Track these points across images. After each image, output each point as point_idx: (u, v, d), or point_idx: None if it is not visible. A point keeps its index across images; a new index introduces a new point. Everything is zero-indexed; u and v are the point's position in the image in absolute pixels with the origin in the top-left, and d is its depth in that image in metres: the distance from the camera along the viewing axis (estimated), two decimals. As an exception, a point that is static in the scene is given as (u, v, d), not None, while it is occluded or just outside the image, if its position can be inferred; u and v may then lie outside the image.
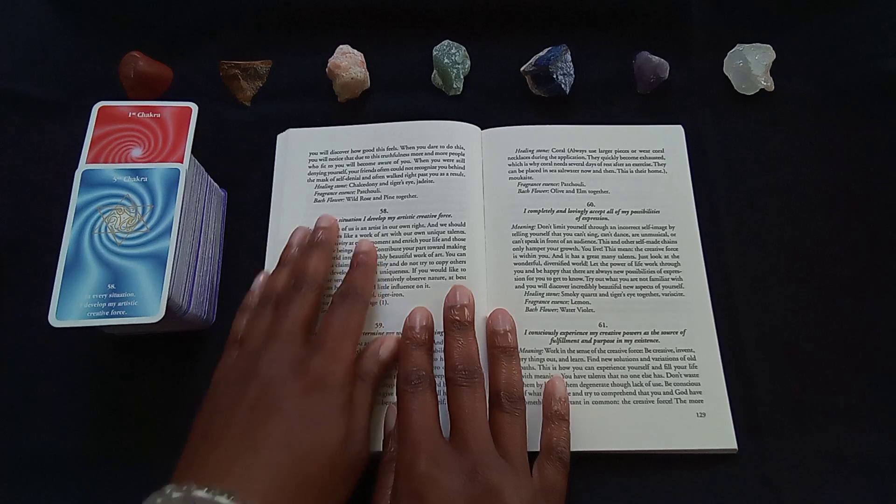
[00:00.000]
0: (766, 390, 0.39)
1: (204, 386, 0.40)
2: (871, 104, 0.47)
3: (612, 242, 0.42)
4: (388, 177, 0.44)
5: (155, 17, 0.50)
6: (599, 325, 0.40)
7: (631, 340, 0.40)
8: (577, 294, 0.41)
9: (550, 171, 0.44)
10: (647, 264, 0.41)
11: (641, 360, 0.39)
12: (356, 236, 0.42)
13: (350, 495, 0.33)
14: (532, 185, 0.44)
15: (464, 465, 0.31)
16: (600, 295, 0.41)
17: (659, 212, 0.43)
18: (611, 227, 0.42)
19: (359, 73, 0.47)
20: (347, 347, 0.35)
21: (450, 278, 0.40)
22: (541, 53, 0.48)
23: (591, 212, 0.43)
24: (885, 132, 0.46)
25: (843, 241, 0.43)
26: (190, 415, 0.39)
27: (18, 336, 0.41)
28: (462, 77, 0.48)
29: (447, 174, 0.43)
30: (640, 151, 0.45)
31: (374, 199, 0.43)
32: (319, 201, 0.44)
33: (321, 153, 0.45)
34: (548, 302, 0.40)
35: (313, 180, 0.44)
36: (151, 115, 0.39)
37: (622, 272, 0.41)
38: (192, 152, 0.38)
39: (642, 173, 0.44)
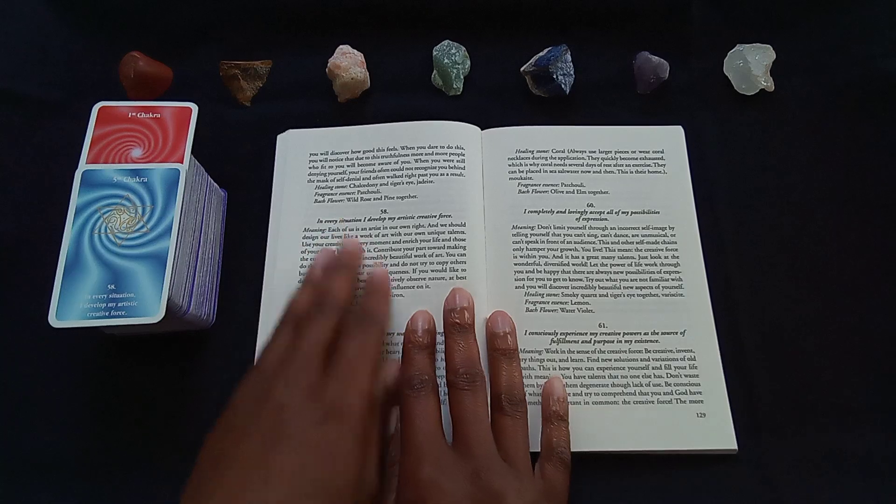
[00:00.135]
0: (766, 390, 0.39)
1: (204, 386, 0.40)
2: (871, 104, 0.47)
3: (611, 243, 0.42)
4: (388, 177, 0.44)
5: (155, 17, 0.50)
6: (599, 325, 0.40)
7: (631, 341, 0.40)
8: (577, 294, 0.41)
9: (550, 171, 0.44)
10: (647, 265, 0.41)
11: (641, 360, 0.39)
12: (356, 237, 0.42)
13: None
14: (532, 185, 0.44)
15: (467, 470, 0.31)
16: (600, 295, 0.41)
17: (659, 212, 0.43)
18: (611, 228, 0.42)
19: (359, 73, 0.47)
20: (365, 374, 0.32)
21: (450, 279, 0.40)
22: (541, 53, 0.48)
23: (590, 212, 0.43)
24: (885, 132, 0.46)
25: (843, 241, 0.43)
26: (190, 415, 0.39)
27: (18, 336, 0.41)
28: (462, 77, 0.48)
29: (447, 174, 0.43)
30: (640, 152, 0.45)
31: (374, 199, 0.43)
32: (320, 202, 0.44)
33: (321, 154, 0.45)
34: (548, 302, 0.40)
35: (313, 181, 0.44)
36: (151, 116, 0.39)
37: (622, 273, 0.41)
38: (192, 152, 0.38)
39: (642, 174, 0.44)
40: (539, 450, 0.36)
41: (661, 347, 0.39)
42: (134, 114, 0.39)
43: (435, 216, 0.42)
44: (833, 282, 0.42)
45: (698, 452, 0.37)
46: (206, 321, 0.40)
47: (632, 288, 0.41)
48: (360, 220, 0.43)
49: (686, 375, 0.39)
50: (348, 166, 0.44)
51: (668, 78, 0.47)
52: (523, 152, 0.45)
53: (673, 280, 0.41)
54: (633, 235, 0.42)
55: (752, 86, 0.47)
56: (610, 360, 0.39)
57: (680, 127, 0.46)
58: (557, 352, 0.39)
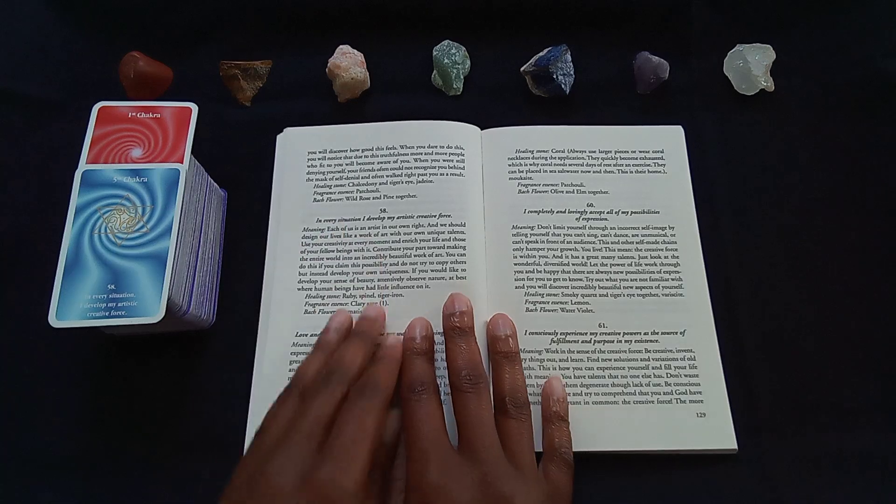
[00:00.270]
0: (766, 390, 0.39)
1: (204, 386, 0.40)
2: (871, 104, 0.47)
3: (611, 243, 0.42)
4: (387, 176, 0.44)
5: (155, 17, 0.50)
6: (599, 325, 0.40)
7: (631, 341, 0.40)
8: (577, 294, 0.41)
9: (550, 171, 0.44)
10: (646, 265, 0.41)
11: (641, 360, 0.39)
12: (356, 236, 0.42)
13: None
14: (532, 185, 0.44)
15: (474, 475, 0.31)
16: (600, 295, 0.41)
17: (659, 212, 0.43)
18: (611, 228, 0.42)
19: (359, 73, 0.47)
20: (361, 454, 0.30)
21: (450, 278, 0.40)
22: (541, 53, 0.48)
23: (590, 212, 0.43)
24: (885, 132, 0.46)
25: (843, 240, 0.43)
26: (190, 415, 0.39)
27: (18, 336, 0.41)
28: (462, 77, 0.48)
29: (447, 174, 0.43)
30: (640, 152, 0.45)
31: (373, 198, 0.43)
32: (318, 200, 0.43)
33: (320, 152, 0.45)
34: (548, 302, 0.40)
35: (312, 179, 0.44)
36: (151, 116, 0.39)
37: (622, 273, 0.41)
38: (192, 152, 0.38)
39: (642, 174, 0.44)
40: (541, 450, 0.36)
41: (661, 347, 0.39)
42: (134, 114, 0.39)
43: (435, 216, 0.42)
44: (833, 282, 0.42)
45: (698, 452, 0.37)
46: (205, 321, 0.40)
47: (632, 288, 0.41)
48: (359, 220, 0.43)
49: (686, 375, 0.39)
50: (347, 165, 0.44)
51: (668, 78, 0.47)
52: (523, 152, 0.45)
53: (673, 280, 0.41)
54: (632, 235, 0.42)
55: (752, 86, 0.47)
56: (610, 360, 0.39)
57: (680, 127, 0.46)
58: (557, 352, 0.39)
